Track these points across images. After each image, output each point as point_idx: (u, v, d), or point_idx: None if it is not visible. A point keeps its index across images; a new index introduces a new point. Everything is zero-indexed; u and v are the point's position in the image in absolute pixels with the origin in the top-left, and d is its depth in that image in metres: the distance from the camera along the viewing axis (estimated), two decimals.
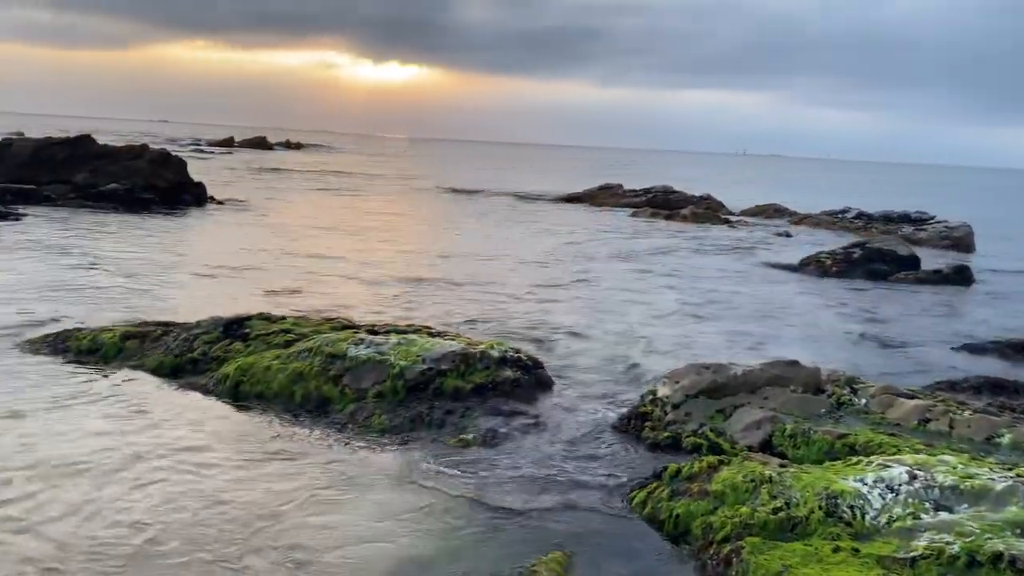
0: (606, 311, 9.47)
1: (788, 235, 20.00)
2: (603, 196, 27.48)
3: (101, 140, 20.20)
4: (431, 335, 6.48)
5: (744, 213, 25.46)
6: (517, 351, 6.27)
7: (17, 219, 13.63)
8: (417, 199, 25.64)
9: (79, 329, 6.80)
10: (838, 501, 3.70)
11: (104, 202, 17.34)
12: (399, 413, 5.26)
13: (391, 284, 10.39)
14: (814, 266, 13.97)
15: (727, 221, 22.57)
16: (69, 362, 6.17)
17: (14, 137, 29.51)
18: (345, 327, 6.74)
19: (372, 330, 6.54)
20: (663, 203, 25.04)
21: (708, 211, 23.66)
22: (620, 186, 28.65)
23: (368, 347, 5.89)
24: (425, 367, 5.66)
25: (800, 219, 23.86)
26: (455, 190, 30.03)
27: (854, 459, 4.24)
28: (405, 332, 6.48)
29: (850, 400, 5.32)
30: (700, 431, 5.03)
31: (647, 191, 27.30)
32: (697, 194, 27.00)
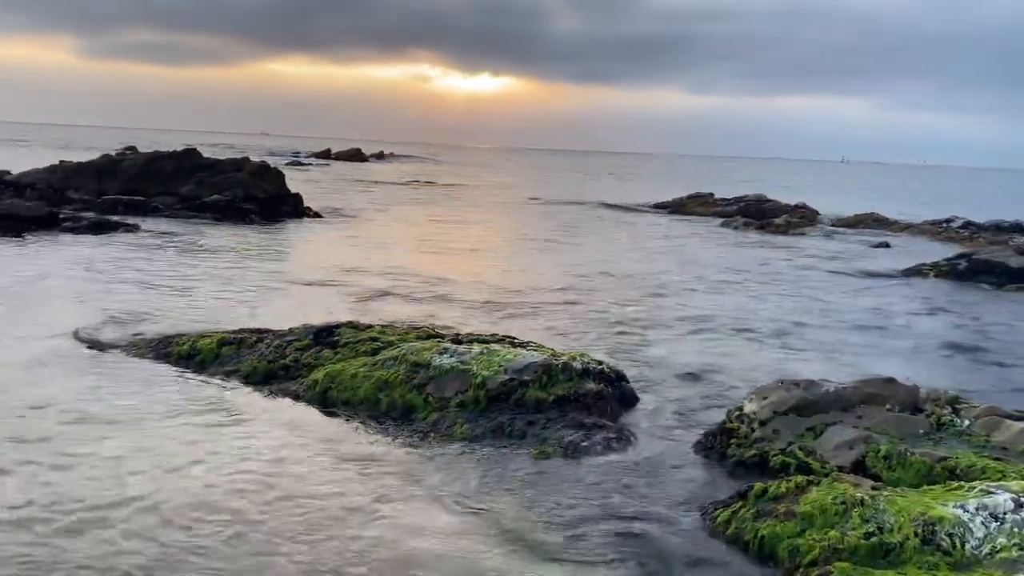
0: (695, 323, 9.29)
1: (887, 245, 19.19)
2: (693, 205, 27.04)
3: (206, 153, 21.19)
4: (514, 345, 6.50)
5: (841, 223, 24.56)
6: (600, 363, 6.22)
7: (129, 230, 14.40)
8: (507, 209, 25.83)
9: (180, 335, 7.13)
10: (936, 528, 3.51)
11: (207, 212, 18.16)
12: (480, 423, 5.30)
13: (478, 294, 10.49)
14: (916, 277, 13.36)
15: (823, 230, 21.84)
16: (171, 366, 6.49)
17: (127, 152, 31.23)
18: (430, 336, 6.85)
19: (456, 339, 6.62)
20: (756, 212, 24.43)
21: (803, 220, 22.95)
22: (711, 195, 28.14)
23: (451, 356, 5.95)
24: (507, 377, 5.68)
25: (901, 228, 22.87)
26: (544, 200, 30.11)
27: (954, 484, 4.01)
28: (488, 342, 6.53)
29: (951, 421, 5.05)
30: (788, 450, 4.87)
31: (739, 200, 26.70)
32: (792, 203, 26.24)
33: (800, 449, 4.84)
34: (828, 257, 16.59)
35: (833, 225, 23.80)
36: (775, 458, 4.82)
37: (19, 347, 6.80)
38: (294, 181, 21.73)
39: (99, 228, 13.73)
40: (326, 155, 65.86)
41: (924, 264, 14.02)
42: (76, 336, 7.20)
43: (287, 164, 43.56)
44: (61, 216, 13.93)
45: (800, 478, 4.16)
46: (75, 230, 13.46)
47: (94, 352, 6.80)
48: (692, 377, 6.99)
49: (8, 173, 20.43)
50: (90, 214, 14.52)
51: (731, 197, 27.51)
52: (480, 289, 10.85)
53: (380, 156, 73.35)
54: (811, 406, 5.12)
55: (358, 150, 69.85)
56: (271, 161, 23.44)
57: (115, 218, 14.53)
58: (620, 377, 6.18)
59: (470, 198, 30.28)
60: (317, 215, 19.87)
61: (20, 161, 28.61)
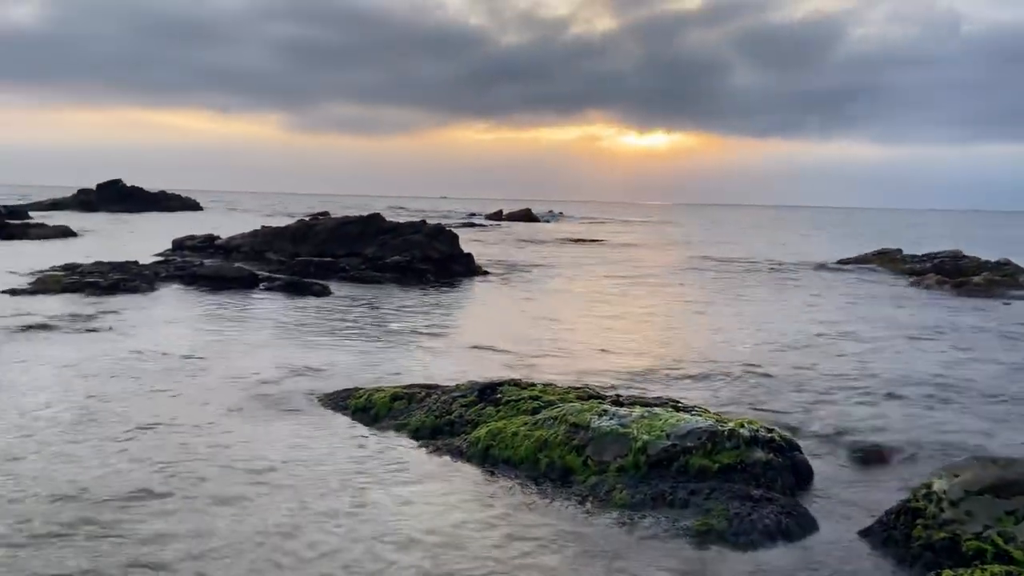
0: (880, 389, 8.65)
1: None
2: (880, 261, 25.40)
3: (389, 216, 22.57)
4: (677, 409, 6.34)
5: None
6: (771, 430, 5.92)
7: (317, 294, 15.47)
8: (680, 269, 25.45)
9: (358, 389, 7.56)
10: None
11: (387, 271, 19.25)
12: (640, 489, 5.18)
13: (643, 355, 10.35)
14: None
15: None
16: (348, 418, 6.89)
17: (319, 216, 33.75)
18: (590, 396, 6.82)
19: (617, 401, 6.55)
20: (952, 270, 22.55)
21: (1007, 278, 20.91)
22: (899, 251, 26.33)
23: (612, 419, 5.89)
24: (669, 443, 5.53)
25: None
26: (718, 259, 29.42)
27: None
28: (650, 405, 6.40)
29: None
30: (984, 535, 4.38)
31: (931, 256, 24.78)
32: (992, 259, 24.02)
33: (998, 535, 4.34)
34: None
35: None
36: (968, 543, 4.35)
37: (210, 396, 7.45)
38: (468, 242, 22.59)
39: (291, 288, 14.87)
40: (498, 216, 68.02)
41: None
42: (262, 385, 7.81)
43: (462, 225, 45.45)
44: (259, 276, 15.25)
45: (998, 568, 3.74)
46: (270, 289, 14.66)
47: (279, 402, 7.33)
48: (874, 448, 6.49)
49: (218, 237, 22.74)
50: (283, 277, 15.77)
51: (922, 253, 25.60)
52: (645, 351, 10.71)
53: (552, 215, 74.82)
54: (1010, 486, 4.59)
55: (529, 210, 71.64)
56: (447, 223, 24.55)
57: (307, 280, 15.65)
58: (792, 446, 5.85)
59: (639, 257, 30.13)
60: (487, 273, 20.50)
61: (231, 226, 31.75)
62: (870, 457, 6.35)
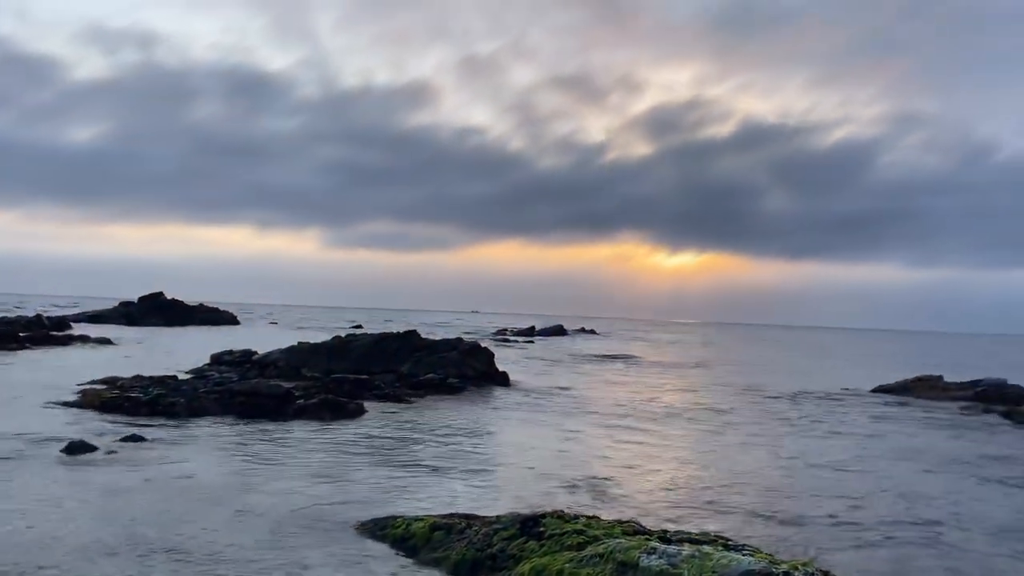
0: (924, 530, 8.31)
1: None
2: (921, 388, 24.86)
3: (424, 331, 22.77)
4: (727, 547, 6.12)
5: None
6: (826, 572, 5.68)
7: (353, 413, 15.48)
8: (714, 392, 25.13)
9: (395, 517, 7.43)
10: None
11: (422, 389, 19.22)
12: None
13: (687, 487, 10.10)
14: None
15: None
16: (388, 547, 6.76)
17: (354, 330, 34.07)
18: (636, 532, 6.63)
19: (664, 537, 6.36)
20: (997, 397, 22.01)
21: None
22: (940, 378, 25.79)
23: (660, 557, 5.70)
24: None
25: None
26: (746, 386, 29.04)
27: None
28: (699, 542, 6.20)
29: None
30: None
31: (975, 383, 24.24)
32: None
33: None
34: None
35: None
36: None
37: (240, 524, 7.38)
38: (500, 360, 22.60)
39: (325, 407, 14.81)
40: (530, 332, 68.28)
41: None
42: (296, 513, 7.72)
43: (494, 340, 45.62)
44: (294, 394, 15.30)
45: None
46: (303, 409, 14.59)
47: (318, 530, 7.22)
48: None
49: (255, 352, 23.02)
50: (318, 395, 15.74)
51: (966, 380, 25.06)
52: (690, 481, 10.46)
53: (582, 332, 74.99)
54: None
55: (560, 326, 72.01)
56: (477, 337, 24.67)
57: (341, 399, 15.64)
58: None
59: (672, 376, 29.84)
60: (522, 392, 20.40)
61: (268, 339, 32.19)
62: None
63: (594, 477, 10.27)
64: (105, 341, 32.32)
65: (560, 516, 7.03)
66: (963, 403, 21.65)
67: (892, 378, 27.23)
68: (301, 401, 14.97)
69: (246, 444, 11.65)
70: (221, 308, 61.70)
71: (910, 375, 26.97)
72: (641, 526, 6.94)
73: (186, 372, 20.22)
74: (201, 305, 58.77)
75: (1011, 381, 24.23)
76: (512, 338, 57.36)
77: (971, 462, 12.89)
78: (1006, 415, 19.37)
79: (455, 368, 20.78)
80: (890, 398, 23.77)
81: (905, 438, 15.56)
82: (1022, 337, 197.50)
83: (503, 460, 11.30)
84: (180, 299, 56.70)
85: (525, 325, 75.17)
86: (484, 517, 7.23)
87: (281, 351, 22.37)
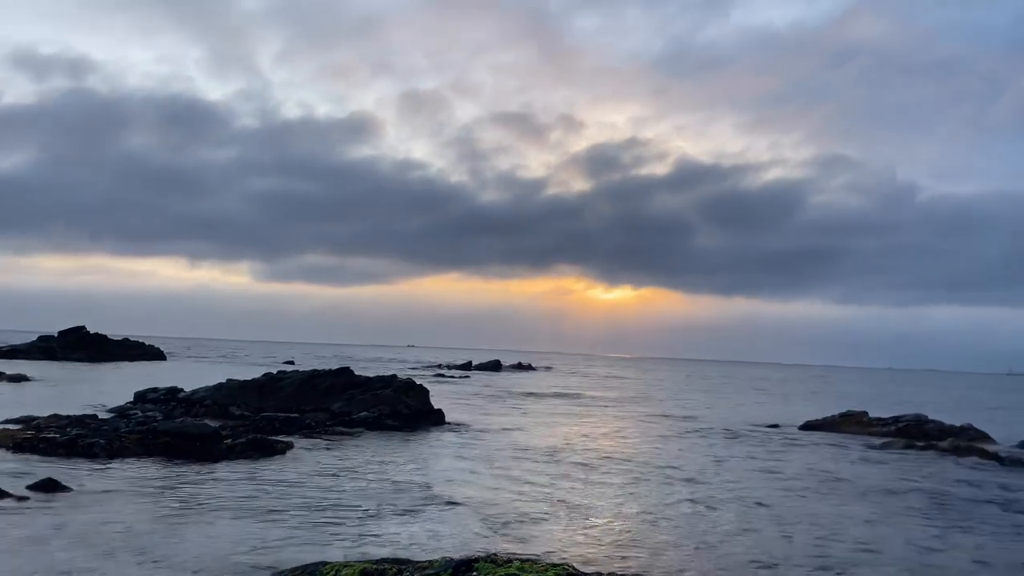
0: (847, 567, 8.49)
1: None
2: (846, 424, 25.57)
3: (359, 367, 22.43)
4: None
5: (1021, 445, 22.39)
6: None
7: (282, 451, 15.08)
8: (646, 426, 25.35)
9: (324, 563, 7.21)
10: None
11: (356, 427, 18.85)
12: None
13: (618, 520, 10.12)
14: None
15: (996, 456, 19.91)
16: None
17: (286, 366, 33.42)
18: (571, 575, 6.58)
19: None
20: (917, 433, 22.77)
21: (971, 444, 21.11)
22: (864, 413, 26.58)
23: None
24: None
25: None
26: (675, 416, 29.44)
27: None
28: None
29: None
30: None
31: (896, 420, 25.05)
32: (956, 423, 24.35)
33: None
34: (1008, 494, 14.97)
35: (1009, 448, 21.70)
36: None
37: None
38: (437, 395, 22.40)
39: (254, 447, 14.41)
40: (467, 367, 68.07)
41: None
42: (216, 562, 7.44)
43: (432, 377, 45.22)
44: (223, 433, 14.85)
45: None
46: (231, 449, 14.15)
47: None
48: None
49: (181, 390, 22.33)
50: (246, 437, 15.27)
51: (888, 417, 25.89)
52: (618, 515, 10.47)
53: (519, 367, 75.00)
54: None
55: (498, 361, 72.04)
56: (414, 373, 24.44)
57: (271, 437, 15.26)
58: None
59: (606, 411, 30.03)
60: (456, 427, 20.23)
61: (196, 376, 31.27)
62: None
63: (526, 516, 10.20)
64: (21, 378, 30.94)
65: (493, 560, 6.93)
66: (885, 439, 22.33)
67: (819, 414, 27.95)
68: (229, 441, 14.53)
69: (169, 488, 11.22)
70: (147, 343, 59.79)
71: (836, 411, 27.73)
72: (575, 569, 6.89)
73: (108, 411, 19.46)
74: (126, 340, 56.85)
75: (931, 417, 25.13)
76: (448, 373, 57.00)
77: (898, 492, 13.25)
78: (923, 448, 20.07)
79: (389, 406, 20.49)
80: (818, 436, 24.37)
81: (837, 468, 15.93)
82: (941, 372, 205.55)
83: (436, 501, 11.14)
84: (104, 333, 54.77)
85: (462, 360, 74.96)
86: (416, 562, 7.07)
87: (209, 388, 21.74)
